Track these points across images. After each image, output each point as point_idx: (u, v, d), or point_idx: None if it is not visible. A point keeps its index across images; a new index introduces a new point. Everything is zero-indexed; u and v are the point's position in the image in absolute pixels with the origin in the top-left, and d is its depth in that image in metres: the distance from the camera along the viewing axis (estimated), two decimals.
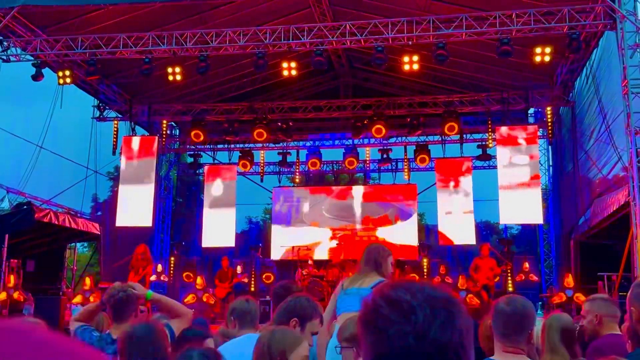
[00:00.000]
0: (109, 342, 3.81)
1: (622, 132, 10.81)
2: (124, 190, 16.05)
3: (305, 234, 17.66)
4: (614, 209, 11.39)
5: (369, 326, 1.21)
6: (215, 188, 17.60)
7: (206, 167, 18.26)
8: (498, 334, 2.80)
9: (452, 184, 16.60)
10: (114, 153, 16.97)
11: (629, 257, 10.42)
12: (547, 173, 17.52)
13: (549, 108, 16.19)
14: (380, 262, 4.67)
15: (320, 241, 17.52)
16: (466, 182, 16.58)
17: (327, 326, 4.53)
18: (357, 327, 1.26)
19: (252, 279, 16.20)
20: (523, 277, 14.77)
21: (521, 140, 15.23)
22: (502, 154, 15.28)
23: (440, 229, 16.56)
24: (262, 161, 19.32)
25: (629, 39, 10.46)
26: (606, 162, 12.67)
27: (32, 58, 13.17)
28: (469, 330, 1.20)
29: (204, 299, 14.24)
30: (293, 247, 16.26)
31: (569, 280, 12.66)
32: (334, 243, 17.22)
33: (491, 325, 2.89)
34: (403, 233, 17.34)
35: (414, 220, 17.64)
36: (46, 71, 13.28)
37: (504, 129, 15.45)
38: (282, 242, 17.61)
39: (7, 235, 12.80)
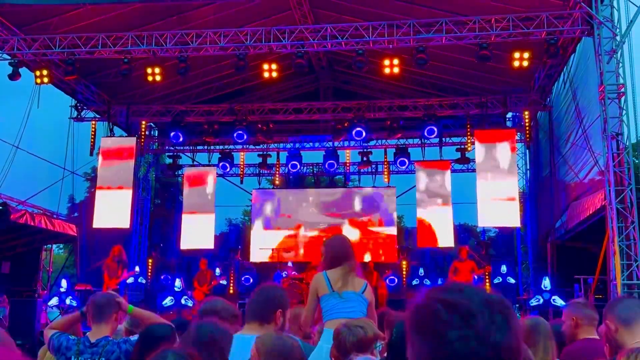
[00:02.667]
0: (87, 345, 3.76)
1: (599, 137, 10.98)
2: (101, 192, 15.89)
3: (284, 236, 17.62)
4: (590, 212, 11.55)
5: (425, 331, 1.20)
6: (194, 191, 17.49)
7: (185, 170, 18.14)
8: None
9: (432, 186, 16.69)
10: (91, 154, 16.77)
11: (605, 260, 10.57)
12: (524, 177, 17.70)
13: (526, 112, 16.36)
14: (354, 258, 4.57)
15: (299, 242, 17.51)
16: (445, 185, 16.69)
17: (309, 321, 4.46)
18: (405, 330, 1.25)
19: (231, 281, 16.12)
20: (500, 280, 14.90)
21: (499, 144, 15.36)
22: (481, 157, 15.39)
23: (419, 231, 16.63)
24: (242, 163, 19.25)
25: (605, 45, 10.62)
26: (583, 166, 12.84)
27: (9, 57, 12.98)
28: (520, 332, 1.23)
29: (182, 302, 14.12)
30: (273, 249, 16.22)
31: (546, 283, 12.78)
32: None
33: None
34: (382, 235, 17.37)
35: (393, 222, 17.70)
36: (23, 70, 13.09)
37: (482, 133, 15.58)
38: (261, 244, 17.54)
39: None
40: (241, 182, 19.54)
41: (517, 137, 16.41)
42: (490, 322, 1.17)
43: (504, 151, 15.30)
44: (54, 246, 17.74)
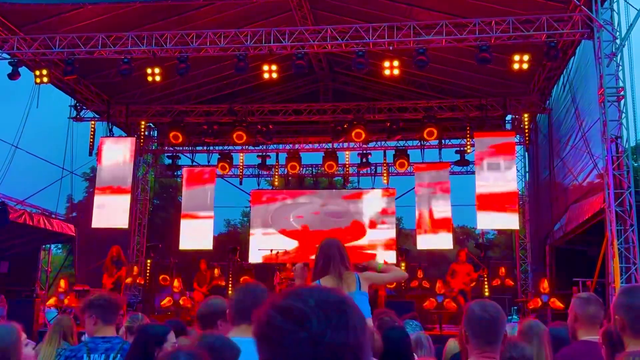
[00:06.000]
0: (97, 342, 3.68)
1: (598, 140, 10.98)
2: (99, 192, 15.87)
3: (283, 237, 17.60)
4: (589, 215, 11.55)
5: (264, 340, 1.19)
6: (193, 192, 17.48)
7: (185, 171, 18.12)
8: (474, 340, 2.77)
9: (430, 189, 16.69)
10: (90, 154, 16.74)
11: (604, 263, 10.57)
12: (523, 179, 17.70)
13: (526, 115, 16.36)
14: (346, 257, 4.49)
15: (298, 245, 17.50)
16: (444, 187, 16.68)
17: None
18: None
19: (230, 282, 16.10)
20: (499, 282, 14.89)
21: (498, 147, 15.36)
22: (480, 159, 15.38)
23: (418, 233, 16.62)
24: (241, 164, 19.25)
25: (605, 48, 10.62)
26: (582, 169, 12.84)
27: (8, 56, 12.97)
28: (363, 329, 1.21)
29: (181, 302, 14.11)
30: (271, 250, 16.21)
31: (545, 286, 12.77)
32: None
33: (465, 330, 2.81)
34: (381, 237, 17.36)
35: (392, 224, 17.68)
36: (23, 70, 13.08)
37: (481, 135, 15.58)
38: (260, 245, 17.52)
39: None
40: (240, 183, 19.54)
41: (516, 140, 16.42)
42: (326, 322, 1.15)
43: (503, 153, 15.30)
44: (53, 246, 17.73)
